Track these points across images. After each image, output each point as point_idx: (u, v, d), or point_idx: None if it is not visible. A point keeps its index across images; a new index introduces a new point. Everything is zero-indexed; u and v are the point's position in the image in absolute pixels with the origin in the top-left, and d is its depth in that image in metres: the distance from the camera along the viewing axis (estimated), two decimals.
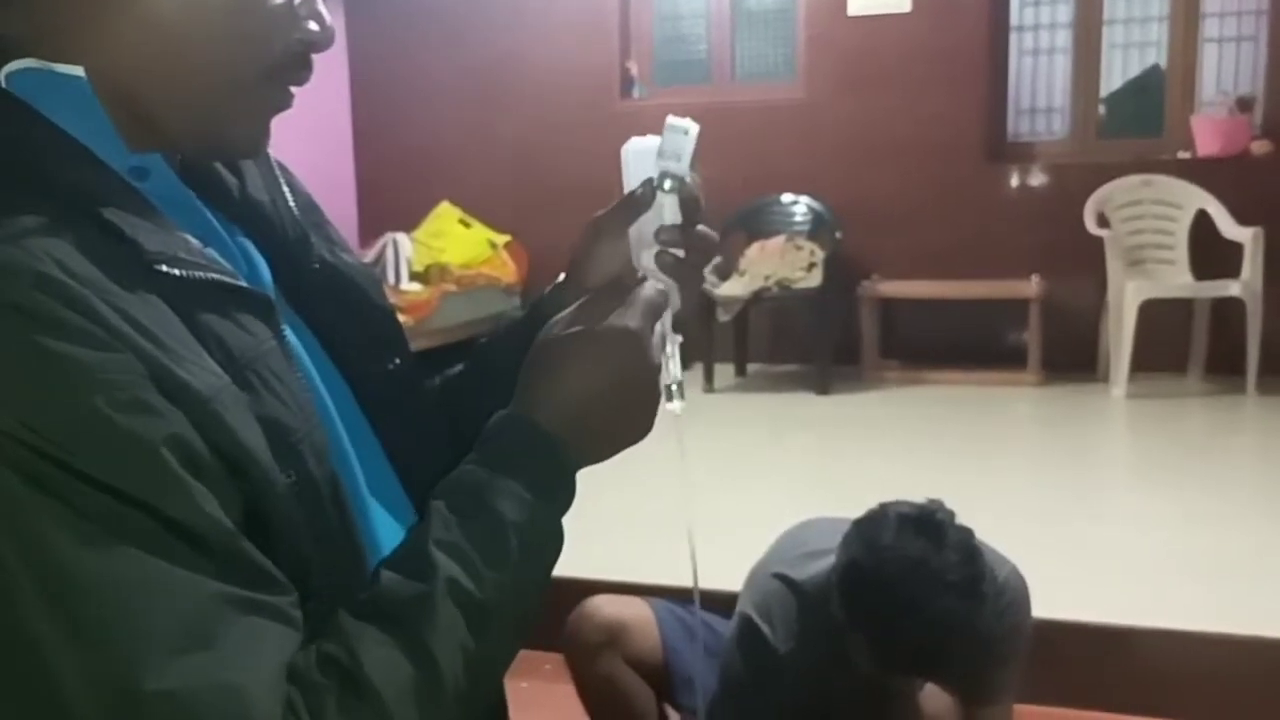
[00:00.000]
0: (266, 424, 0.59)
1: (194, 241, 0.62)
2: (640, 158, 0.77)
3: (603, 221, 0.80)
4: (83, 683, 0.50)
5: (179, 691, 0.51)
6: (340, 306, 0.76)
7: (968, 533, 1.62)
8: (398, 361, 0.79)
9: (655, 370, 0.72)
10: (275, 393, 0.61)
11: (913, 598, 1.54)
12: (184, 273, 0.59)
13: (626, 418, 0.72)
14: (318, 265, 0.76)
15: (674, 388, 0.77)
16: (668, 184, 0.76)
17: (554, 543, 0.68)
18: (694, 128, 0.78)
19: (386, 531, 0.70)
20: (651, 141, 0.77)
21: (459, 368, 0.90)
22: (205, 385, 0.56)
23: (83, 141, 0.59)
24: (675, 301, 0.77)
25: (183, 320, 0.58)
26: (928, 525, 1.59)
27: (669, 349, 0.76)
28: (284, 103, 0.67)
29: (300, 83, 0.67)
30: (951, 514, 1.64)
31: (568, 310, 0.73)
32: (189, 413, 0.54)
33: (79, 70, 0.60)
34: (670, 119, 0.78)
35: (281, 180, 0.76)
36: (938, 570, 1.54)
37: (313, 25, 0.66)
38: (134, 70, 0.61)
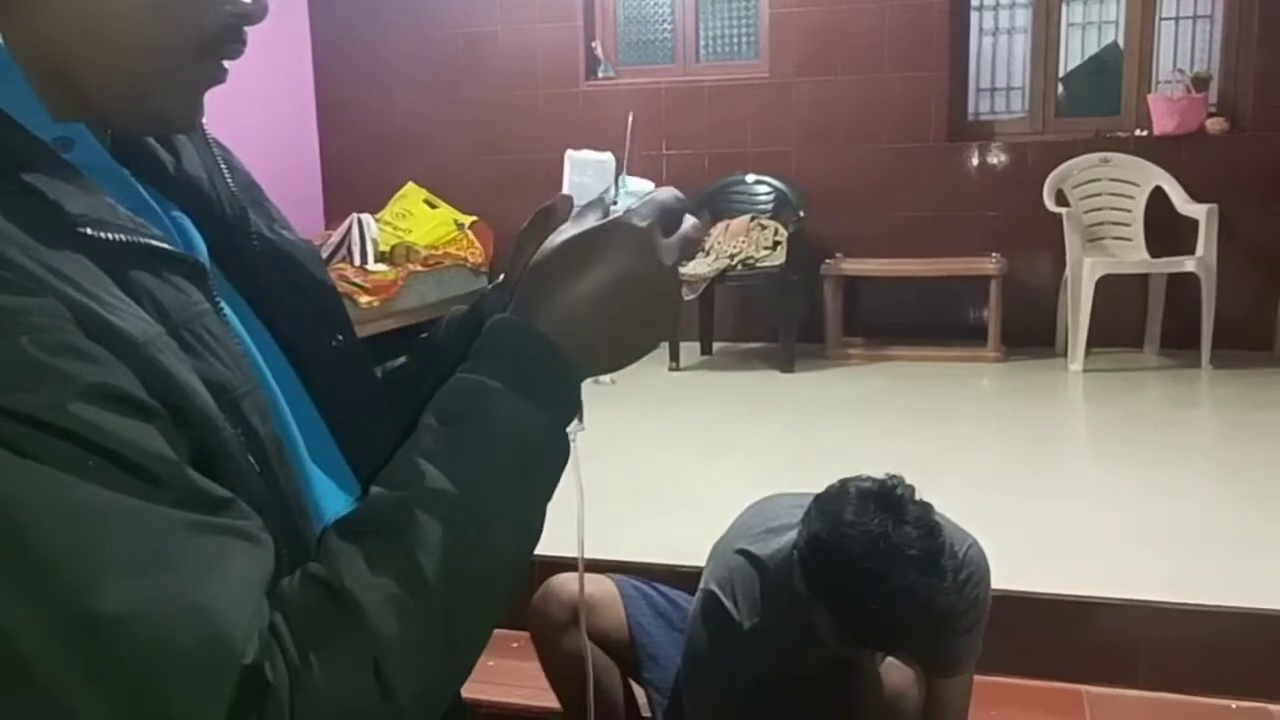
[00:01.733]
0: (206, 383, 0.58)
1: (121, 208, 0.60)
2: (579, 168, 0.76)
3: (525, 236, 0.79)
4: (30, 618, 0.48)
5: (138, 613, 0.49)
6: (281, 283, 0.75)
7: (927, 507, 1.65)
8: (341, 339, 0.78)
9: (666, 271, 0.68)
10: (213, 351, 0.60)
11: (874, 572, 1.56)
12: (110, 235, 0.57)
13: (634, 322, 0.69)
14: (256, 242, 0.74)
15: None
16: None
17: (553, 451, 0.65)
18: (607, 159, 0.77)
19: (330, 500, 0.69)
20: (594, 156, 0.76)
21: (400, 360, 0.88)
22: (139, 331, 0.55)
23: (3, 109, 0.58)
24: None
25: (113, 279, 0.56)
26: (887, 500, 1.62)
27: None
28: (216, 77, 0.66)
29: (233, 56, 0.66)
30: (911, 489, 1.67)
31: (570, 223, 0.70)
32: (124, 357, 0.53)
33: None
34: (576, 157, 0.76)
35: (218, 157, 0.75)
36: (898, 544, 1.57)
37: None
38: (59, 40, 0.60)
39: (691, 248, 0.71)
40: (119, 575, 0.49)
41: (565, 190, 0.75)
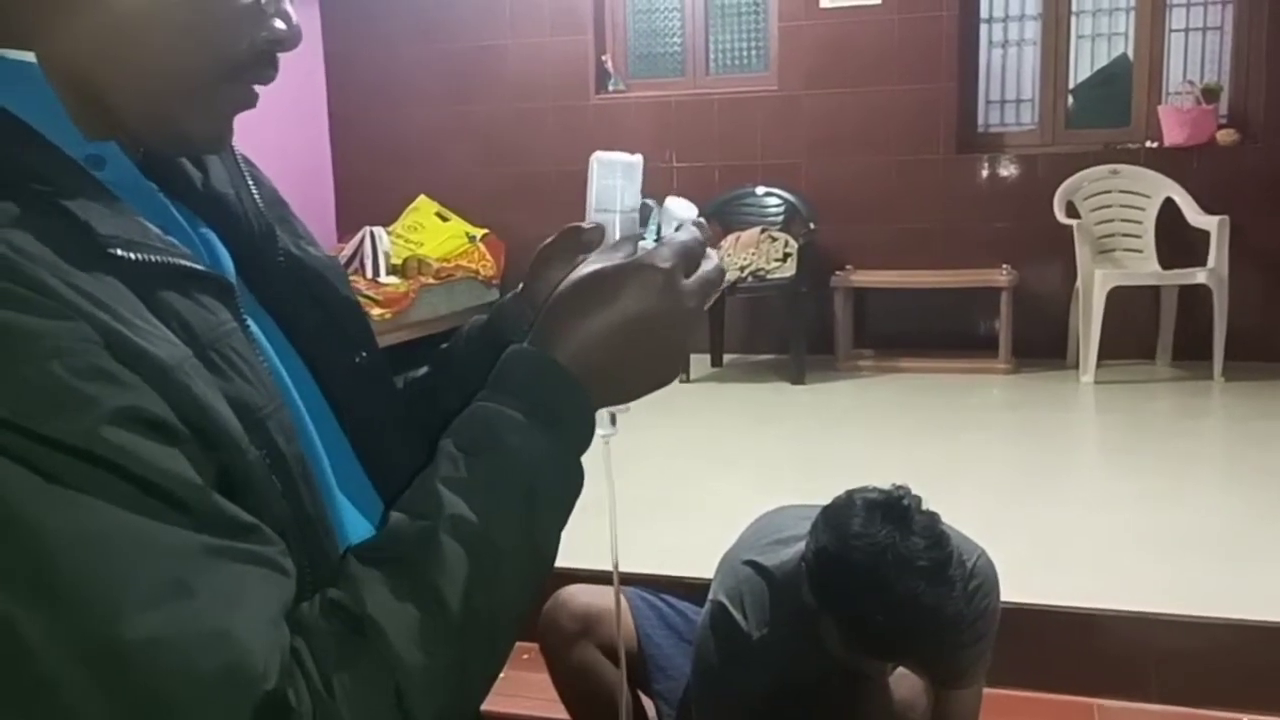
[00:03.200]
0: (232, 402, 0.58)
1: (151, 227, 0.60)
2: (608, 169, 0.76)
3: (550, 251, 0.80)
4: (57, 642, 0.48)
5: (163, 639, 0.50)
6: (306, 300, 0.75)
7: (934, 517, 1.65)
8: (364, 355, 0.78)
9: (685, 312, 0.69)
10: (240, 372, 0.60)
11: (881, 582, 1.57)
12: (140, 256, 0.57)
13: (650, 358, 0.70)
14: (283, 258, 0.74)
15: (611, 414, 0.75)
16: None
17: (568, 480, 0.67)
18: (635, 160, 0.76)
19: (352, 520, 0.70)
20: (620, 157, 0.76)
21: (422, 370, 0.89)
22: (167, 355, 0.55)
23: (36, 128, 0.58)
24: None
25: (142, 300, 0.57)
26: (894, 510, 1.62)
27: None
28: (247, 101, 0.66)
29: (265, 81, 0.66)
30: (918, 499, 1.67)
31: (597, 251, 0.71)
32: (152, 381, 0.53)
33: (30, 56, 0.58)
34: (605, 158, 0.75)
35: (246, 174, 0.75)
36: (904, 554, 1.57)
37: (279, 24, 0.65)
38: (93, 60, 0.60)
39: (713, 288, 0.71)
40: (143, 602, 0.50)
41: (591, 193, 0.75)
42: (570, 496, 0.67)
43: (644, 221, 0.76)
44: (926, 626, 1.59)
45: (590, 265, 0.70)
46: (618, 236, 0.73)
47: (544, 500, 0.64)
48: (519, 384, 0.66)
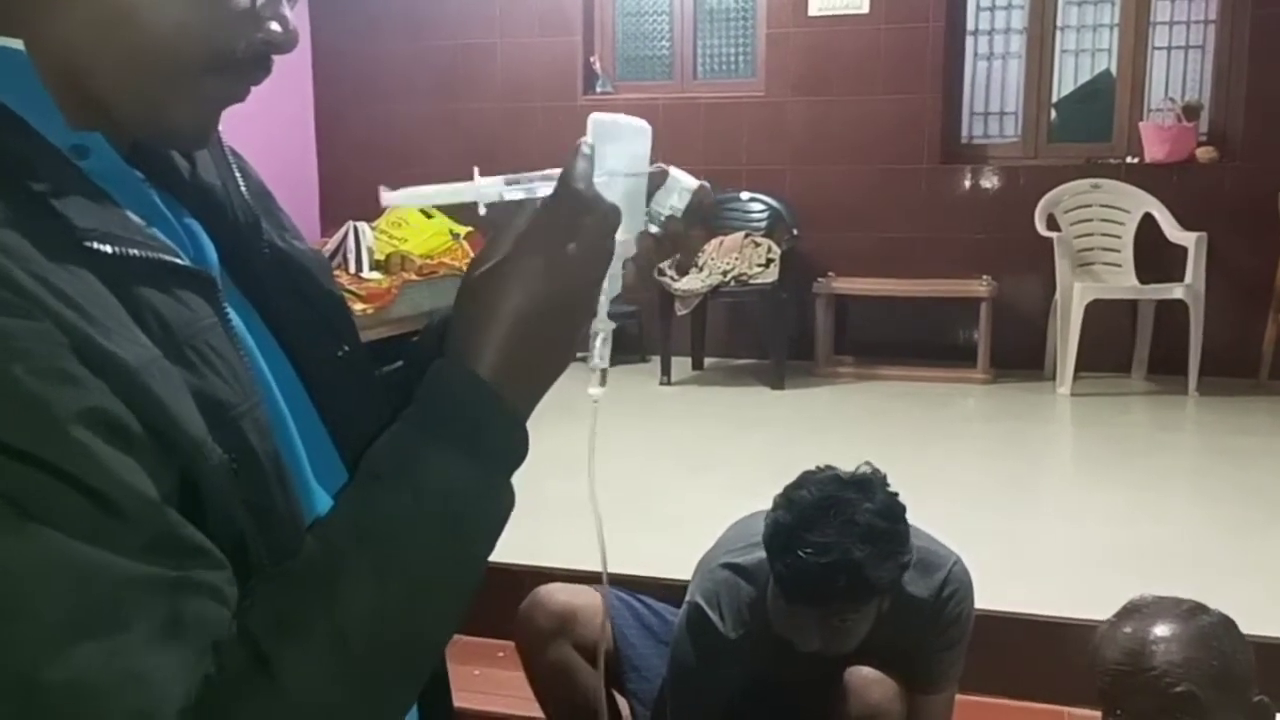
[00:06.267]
0: (204, 400, 0.58)
1: (134, 219, 0.60)
2: (603, 129, 0.73)
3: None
4: None
5: (78, 681, 0.49)
6: (290, 292, 0.74)
7: (898, 504, 1.71)
8: (347, 349, 0.78)
9: (576, 286, 0.67)
10: (215, 368, 0.60)
11: (811, 517, 1.65)
12: (117, 249, 0.57)
13: (547, 342, 0.67)
14: (268, 250, 0.74)
15: (598, 372, 0.73)
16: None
17: (497, 505, 0.65)
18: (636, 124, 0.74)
19: None
20: (624, 121, 0.73)
21: (398, 364, 0.88)
22: (133, 357, 0.54)
23: (21, 115, 0.58)
24: (616, 287, 0.72)
25: (118, 296, 0.56)
26: (859, 478, 1.72)
27: (600, 336, 0.72)
28: (236, 97, 0.66)
29: (256, 82, 0.66)
30: (893, 494, 1.73)
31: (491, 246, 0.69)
32: (115, 384, 0.52)
33: (18, 43, 0.58)
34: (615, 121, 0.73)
35: (233, 165, 0.75)
36: (846, 505, 1.66)
37: (275, 26, 0.65)
38: (83, 50, 0.60)
39: (604, 252, 0.68)
40: (69, 637, 0.49)
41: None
42: (499, 520, 0.65)
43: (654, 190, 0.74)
44: (839, 574, 1.62)
45: (477, 266, 0.68)
46: (615, 200, 0.70)
47: (469, 526, 0.63)
48: (447, 408, 0.64)
